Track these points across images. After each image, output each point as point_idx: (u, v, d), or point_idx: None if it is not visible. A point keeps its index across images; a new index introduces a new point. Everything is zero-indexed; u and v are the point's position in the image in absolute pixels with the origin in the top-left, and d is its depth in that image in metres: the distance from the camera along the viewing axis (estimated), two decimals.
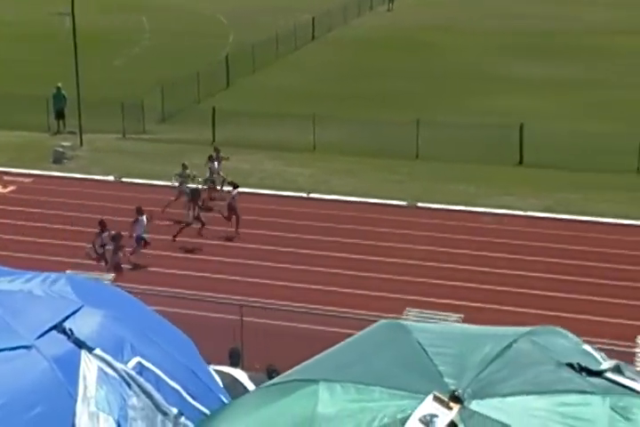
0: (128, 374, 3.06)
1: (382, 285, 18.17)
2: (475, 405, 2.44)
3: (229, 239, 20.52)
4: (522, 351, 2.77)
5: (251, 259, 19.45)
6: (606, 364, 2.85)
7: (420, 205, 23.13)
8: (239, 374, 4.89)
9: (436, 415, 2.43)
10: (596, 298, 17.72)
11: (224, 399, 3.41)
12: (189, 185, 21.85)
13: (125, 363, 3.10)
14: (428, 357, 2.66)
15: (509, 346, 2.79)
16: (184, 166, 22.91)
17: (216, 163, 23.75)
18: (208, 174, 23.58)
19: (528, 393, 2.55)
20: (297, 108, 30.06)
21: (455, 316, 13.86)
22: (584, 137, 27.36)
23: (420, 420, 2.43)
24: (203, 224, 20.93)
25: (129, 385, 3.04)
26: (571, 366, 2.74)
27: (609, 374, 2.77)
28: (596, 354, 2.95)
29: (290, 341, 12.08)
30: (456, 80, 36.13)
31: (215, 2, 52.00)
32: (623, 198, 23.43)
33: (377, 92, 34.32)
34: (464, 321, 13.12)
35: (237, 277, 18.53)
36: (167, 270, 18.59)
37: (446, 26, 46.30)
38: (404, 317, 13.29)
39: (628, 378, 2.80)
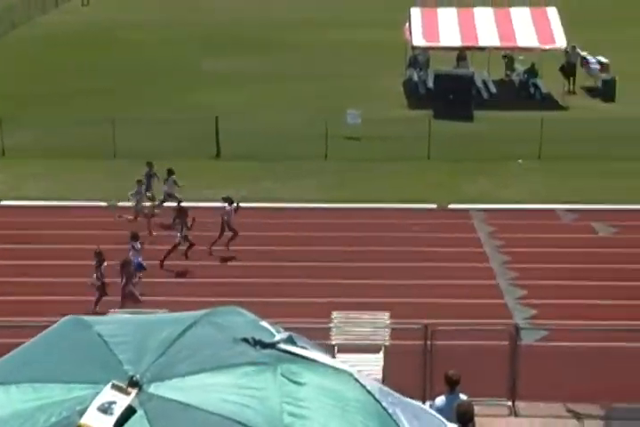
0: None
1: (75, 289, 17.83)
2: (153, 388, 2.50)
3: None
4: (200, 332, 2.87)
5: None
6: (279, 336, 3.02)
7: (120, 204, 22.92)
8: None
9: (114, 402, 2.47)
10: (292, 280, 18.48)
11: None
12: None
13: None
14: (108, 347, 2.69)
15: (188, 328, 2.88)
16: (140, 182, 21.22)
17: (156, 179, 21.99)
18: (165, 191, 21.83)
19: (205, 371, 2.65)
20: None
21: (161, 311, 13.99)
22: (276, 128, 28.44)
23: (99, 408, 2.46)
24: (191, 244, 19.28)
25: None
26: (246, 340, 2.89)
27: (281, 345, 2.94)
28: (272, 328, 3.11)
29: None
30: (153, 76, 36.06)
31: None
32: (314, 184, 24.65)
33: (70, 91, 33.44)
34: None
35: None
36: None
37: (143, 21, 45.91)
38: None
39: (299, 347, 3.01)
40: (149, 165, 22.52)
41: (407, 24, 35.61)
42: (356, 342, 14.07)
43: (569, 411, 13.58)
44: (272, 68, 37.57)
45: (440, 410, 10.32)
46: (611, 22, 45.20)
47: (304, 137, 27.26)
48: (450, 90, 31.35)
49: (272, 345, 2.97)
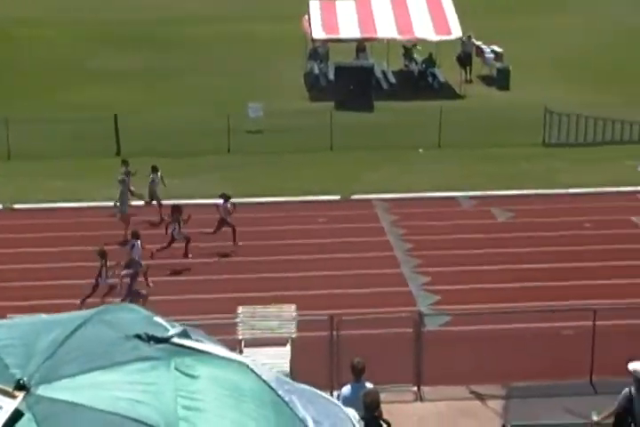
0: None
1: None
2: (41, 390, 2.47)
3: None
4: (90, 331, 2.84)
5: None
6: (173, 330, 3.02)
7: (17, 206, 22.43)
8: None
9: None
10: (197, 277, 18.47)
11: None
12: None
13: None
14: None
15: (78, 328, 2.85)
16: (123, 182, 20.70)
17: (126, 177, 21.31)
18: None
19: (97, 369, 2.63)
20: None
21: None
22: (177, 124, 28.22)
23: None
24: (170, 244, 19.01)
25: None
26: (139, 337, 2.87)
27: (175, 340, 2.94)
28: (166, 324, 3.10)
29: None
30: (44, 74, 35.25)
31: None
32: (218, 178, 24.53)
33: None
34: None
35: None
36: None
37: (37, 19, 44.78)
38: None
39: (194, 340, 3.01)
40: (125, 163, 21.95)
41: (306, 16, 35.72)
42: (263, 335, 14.10)
43: (472, 392, 13.93)
44: (170, 63, 37.20)
45: (346, 399, 10.44)
46: (502, 11, 46.18)
47: (206, 132, 27.12)
48: (350, 81, 31.61)
49: (166, 340, 2.96)
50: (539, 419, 12.62)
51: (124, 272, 16.98)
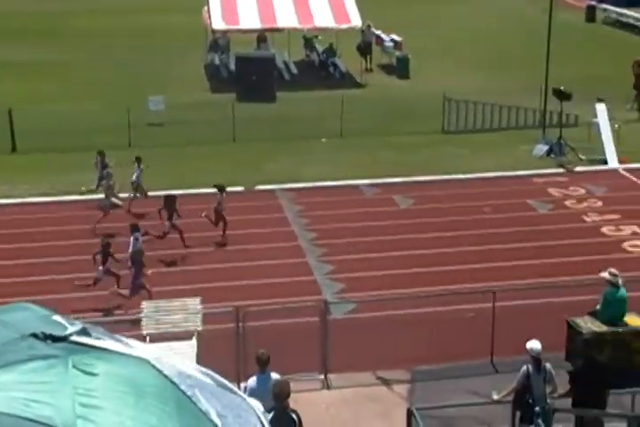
0: None
1: None
2: None
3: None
4: None
5: None
6: (72, 328, 3.03)
7: None
8: None
9: None
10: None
11: None
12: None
13: None
14: None
15: None
16: (109, 175, 20.27)
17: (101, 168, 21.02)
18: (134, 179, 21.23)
19: None
20: None
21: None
22: (77, 118, 27.72)
23: None
24: (180, 232, 18.81)
25: None
26: (36, 336, 2.88)
27: (74, 338, 2.95)
28: (65, 322, 3.11)
29: None
30: None
31: None
32: (119, 173, 24.13)
33: None
34: None
35: None
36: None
37: None
38: None
39: (93, 338, 3.03)
40: (101, 154, 21.59)
41: (206, 8, 35.47)
42: (168, 330, 14.04)
43: (378, 378, 14.17)
44: (68, 56, 36.50)
45: (253, 390, 10.52)
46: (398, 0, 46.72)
47: (105, 126, 26.75)
48: (251, 72, 31.55)
49: (64, 338, 2.97)
50: (442, 401, 12.92)
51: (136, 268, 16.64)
